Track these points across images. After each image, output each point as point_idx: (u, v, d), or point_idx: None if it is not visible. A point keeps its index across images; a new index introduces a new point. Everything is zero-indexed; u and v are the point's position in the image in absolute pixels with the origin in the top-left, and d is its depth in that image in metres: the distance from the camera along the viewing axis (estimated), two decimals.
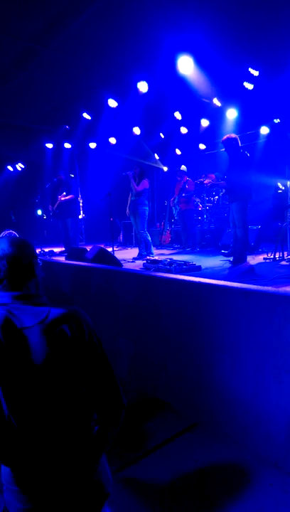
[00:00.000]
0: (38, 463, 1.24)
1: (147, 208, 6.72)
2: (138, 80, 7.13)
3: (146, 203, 6.69)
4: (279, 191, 7.19)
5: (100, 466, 1.36)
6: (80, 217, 12.20)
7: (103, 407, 1.35)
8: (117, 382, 1.36)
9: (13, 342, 1.22)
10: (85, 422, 1.32)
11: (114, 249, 7.40)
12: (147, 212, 6.74)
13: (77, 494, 1.29)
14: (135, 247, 8.66)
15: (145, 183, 6.62)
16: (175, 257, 5.79)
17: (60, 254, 7.53)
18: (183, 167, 8.27)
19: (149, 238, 6.73)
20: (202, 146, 10.12)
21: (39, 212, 10.10)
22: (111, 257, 5.27)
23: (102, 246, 5.49)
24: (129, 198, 6.85)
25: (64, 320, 1.29)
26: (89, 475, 1.32)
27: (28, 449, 1.23)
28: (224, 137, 5.28)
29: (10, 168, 12.32)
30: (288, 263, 5.00)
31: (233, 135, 5.24)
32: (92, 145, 10.90)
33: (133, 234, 9.68)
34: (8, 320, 1.23)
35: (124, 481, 2.51)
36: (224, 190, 5.46)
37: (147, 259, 5.27)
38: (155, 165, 10.87)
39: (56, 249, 8.06)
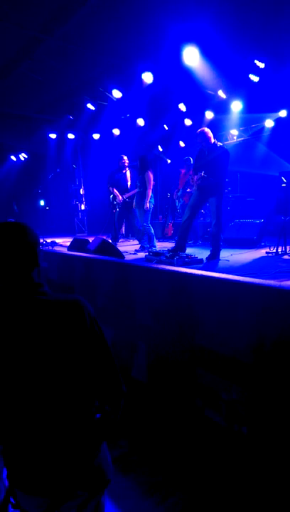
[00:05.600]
0: (37, 446, 1.26)
1: (152, 201, 6.66)
2: (143, 71, 7.07)
3: (152, 195, 6.63)
4: (283, 185, 7.15)
5: (101, 453, 1.38)
6: (82, 208, 12.21)
7: (103, 394, 1.37)
8: (117, 370, 1.38)
9: (14, 331, 1.23)
10: (87, 409, 1.34)
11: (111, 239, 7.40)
12: (152, 205, 6.68)
13: (77, 480, 1.30)
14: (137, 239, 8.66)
15: (148, 175, 6.54)
16: None
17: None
18: (188, 158, 8.17)
19: (152, 231, 6.70)
20: None
21: (42, 202, 10.08)
22: (113, 248, 5.26)
23: (105, 237, 5.48)
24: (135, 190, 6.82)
25: (66, 309, 1.29)
26: (90, 461, 1.33)
27: (29, 433, 1.25)
28: (198, 130, 5.14)
29: (13, 158, 12.28)
30: None
31: (205, 128, 5.14)
32: (96, 136, 10.85)
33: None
34: (11, 309, 1.24)
35: (122, 470, 2.54)
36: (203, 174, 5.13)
37: (149, 252, 5.26)
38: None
39: (58, 240, 8.05)
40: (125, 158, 7.15)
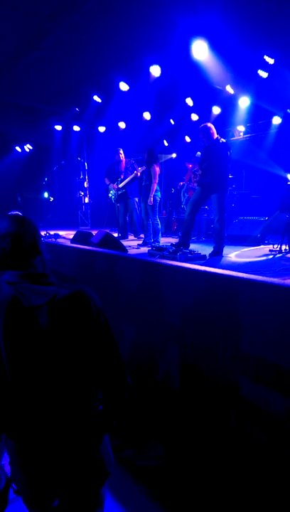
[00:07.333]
0: (41, 437, 1.27)
1: (159, 194, 6.63)
2: (151, 64, 7.01)
3: (158, 188, 6.60)
4: (289, 183, 7.11)
5: (103, 445, 1.38)
6: (86, 201, 12.18)
7: (108, 387, 1.37)
8: (123, 363, 1.38)
9: (20, 321, 1.22)
10: (90, 401, 1.34)
11: (120, 234, 7.39)
12: (159, 199, 6.67)
13: (78, 471, 1.31)
14: (140, 233, 8.65)
15: (154, 168, 6.51)
16: None
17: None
18: (199, 154, 8.10)
19: (159, 226, 6.68)
20: None
21: (45, 194, 10.05)
22: (116, 242, 5.25)
23: (108, 231, 5.47)
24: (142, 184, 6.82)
25: (72, 300, 1.28)
26: (91, 453, 1.34)
27: (33, 424, 1.26)
28: (201, 125, 5.11)
29: (18, 149, 12.24)
30: None
31: (208, 124, 5.09)
32: (101, 129, 10.80)
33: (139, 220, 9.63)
34: (16, 299, 1.23)
35: (121, 462, 2.56)
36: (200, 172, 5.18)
37: (152, 247, 5.25)
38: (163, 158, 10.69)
39: (61, 232, 8.04)
40: (121, 151, 7.30)
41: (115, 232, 7.33)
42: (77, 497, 1.34)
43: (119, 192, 7.15)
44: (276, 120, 8.44)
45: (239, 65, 6.75)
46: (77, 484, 1.32)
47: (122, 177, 7.16)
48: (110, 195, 7.36)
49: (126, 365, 1.40)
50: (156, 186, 6.45)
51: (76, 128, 10.81)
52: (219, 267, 3.71)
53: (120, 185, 7.10)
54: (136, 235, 7.50)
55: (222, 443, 2.77)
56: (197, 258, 4.55)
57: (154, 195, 6.52)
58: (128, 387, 1.38)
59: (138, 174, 6.90)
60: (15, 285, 1.26)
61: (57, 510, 1.34)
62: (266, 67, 6.67)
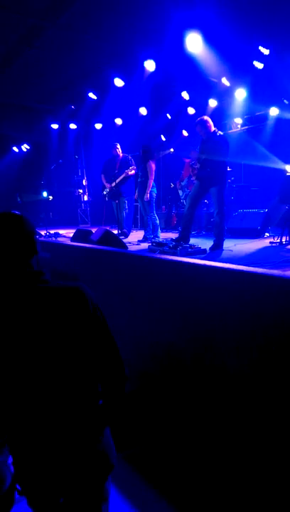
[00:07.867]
0: (42, 432, 1.28)
1: (155, 190, 6.64)
2: (145, 59, 6.96)
3: (154, 184, 6.61)
4: (288, 174, 7.07)
5: (105, 438, 1.39)
6: (85, 198, 12.14)
7: (106, 379, 1.39)
8: (119, 355, 1.41)
9: (18, 319, 1.23)
10: (90, 394, 1.35)
11: (119, 231, 7.38)
12: (155, 194, 6.66)
13: (82, 464, 1.32)
14: (140, 229, 8.64)
15: (150, 165, 6.51)
16: None
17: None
18: None
19: (157, 221, 6.68)
20: None
21: (44, 194, 10.03)
22: (116, 239, 5.25)
23: (108, 228, 5.46)
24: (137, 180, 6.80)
25: (69, 296, 1.30)
26: (93, 446, 1.35)
27: (34, 418, 1.27)
28: (198, 119, 5.09)
29: (15, 149, 12.21)
30: None
31: (205, 117, 5.05)
32: (98, 126, 10.76)
33: (139, 216, 9.61)
34: (14, 298, 1.25)
35: (126, 459, 2.57)
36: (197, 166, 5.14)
37: (152, 242, 5.24)
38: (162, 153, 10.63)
39: (61, 231, 8.04)
40: (118, 145, 7.18)
41: (115, 229, 7.31)
42: (82, 491, 1.35)
43: (114, 190, 7.12)
44: (274, 111, 8.38)
45: (234, 56, 6.69)
46: (81, 478, 1.32)
47: (116, 172, 7.13)
48: (104, 192, 7.34)
49: (124, 358, 1.42)
50: (152, 182, 6.44)
51: (72, 126, 10.77)
52: (219, 261, 3.70)
53: (112, 184, 7.07)
54: (120, 230, 7.38)
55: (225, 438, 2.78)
56: (198, 252, 4.54)
57: (150, 191, 6.54)
58: (125, 378, 1.41)
59: (129, 173, 6.84)
60: (13, 284, 1.27)
61: (62, 506, 1.35)
62: (261, 58, 6.62)
